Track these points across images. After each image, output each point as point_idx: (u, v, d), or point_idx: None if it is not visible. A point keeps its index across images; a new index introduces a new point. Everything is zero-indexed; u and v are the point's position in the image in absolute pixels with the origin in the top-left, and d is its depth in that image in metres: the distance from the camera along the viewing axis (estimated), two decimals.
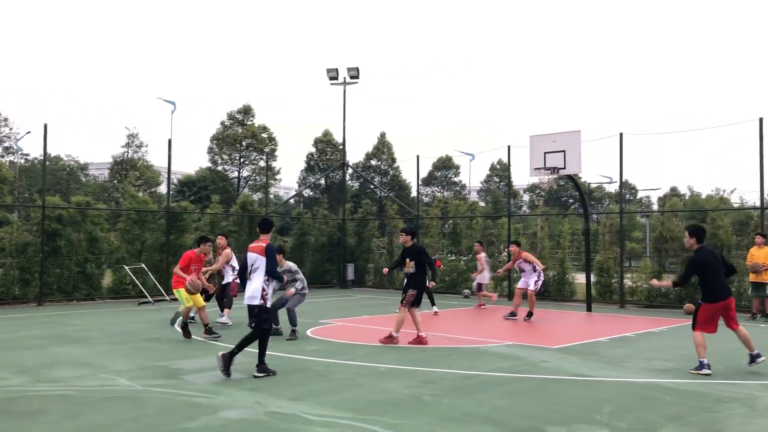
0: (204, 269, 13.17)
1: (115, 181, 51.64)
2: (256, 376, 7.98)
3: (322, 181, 56.93)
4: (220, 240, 13.52)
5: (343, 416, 6.22)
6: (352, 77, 26.10)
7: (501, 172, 67.07)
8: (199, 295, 11.30)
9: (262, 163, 53.26)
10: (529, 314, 14.39)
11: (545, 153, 16.12)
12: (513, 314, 14.58)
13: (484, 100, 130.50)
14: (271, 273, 8.17)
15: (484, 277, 17.53)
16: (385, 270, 12.66)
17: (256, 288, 8.17)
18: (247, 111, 55.13)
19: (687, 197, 49.21)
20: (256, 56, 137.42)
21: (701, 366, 8.36)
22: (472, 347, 10.54)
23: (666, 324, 13.98)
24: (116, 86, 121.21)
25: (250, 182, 55.36)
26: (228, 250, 13.35)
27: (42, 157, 19.20)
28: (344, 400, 6.85)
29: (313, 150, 57.84)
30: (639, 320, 14.85)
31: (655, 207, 59.77)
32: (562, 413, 6.41)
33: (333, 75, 26.22)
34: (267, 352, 8.24)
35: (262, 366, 8.08)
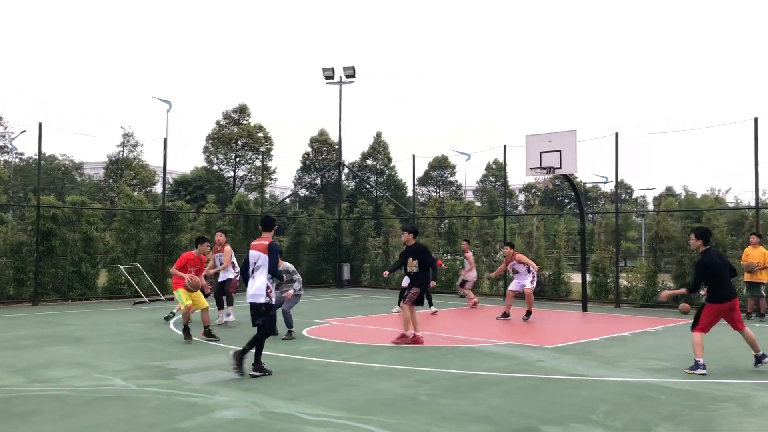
0: (214, 270, 13.19)
1: (111, 181, 51.45)
2: (252, 376, 7.97)
3: (318, 181, 56.87)
4: (220, 237, 13.55)
5: (338, 416, 6.21)
6: (348, 77, 26.08)
7: (497, 171, 67.06)
8: (202, 296, 11.25)
9: (258, 163, 53.19)
10: (528, 314, 14.29)
11: (541, 153, 16.13)
12: (506, 315, 14.55)
13: (482, 100, 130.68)
14: (273, 271, 8.15)
15: (471, 275, 17.72)
16: (386, 273, 12.56)
17: (259, 286, 8.14)
18: (242, 110, 55.02)
19: (682, 197, 49.32)
20: (252, 55, 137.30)
21: (697, 366, 8.38)
22: (467, 347, 10.54)
23: (661, 323, 14.01)
24: (112, 85, 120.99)
25: (245, 182, 55.25)
26: (229, 247, 13.41)
27: (37, 157, 19.13)
28: (340, 400, 6.84)
29: (309, 149, 57.77)
30: (634, 320, 14.88)
31: (651, 207, 59.90)
32: (558, 413, 6.41)
33: (329, 74, 26.19)
34: (263, 352, 8.23)
35: (258, 365, 8.06)
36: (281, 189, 76.92)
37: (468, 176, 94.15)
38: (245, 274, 8.47)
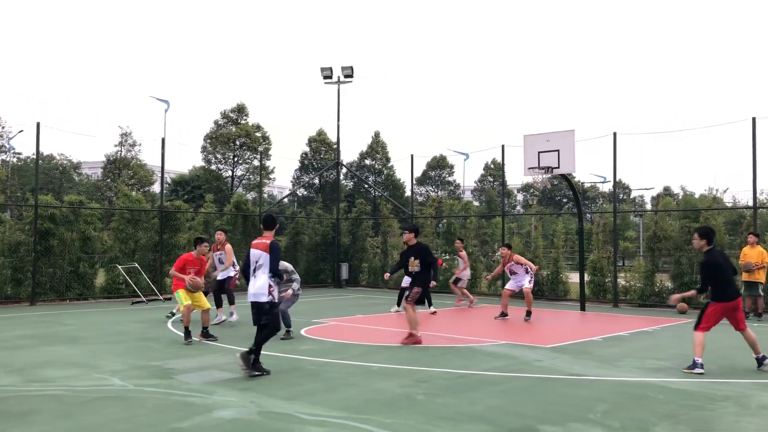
0: (218, 271, 13.21)
1: (109, 180, 51.39)
2: (250, 375, 7.97)
3: (317, 181, 56.88)
4: (220, 235, 13.58)
5: (336, 415, 6.21)
6: (346, 76, 26.09)
7: (495, 171, 67.10)
8: (203, 297, 11.22)
9: (256, 163, 53.19)
10: (528, 314, 14.18)
11: (539, 152, 16.13)
12: (504, 314, 14.53)
13: (480, 100, 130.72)
14: (274, 270, 8.12)
15: (465, 273, 17.82)
16: (387, 275, 12.47)
17: (262, 284, 8.12)
18: (240, 110, 55.02)
19: (680, 197, 49.39)
20: (250, 55, 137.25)
21: (695, 365, 8.39)
22: (465, 346, 10.54)
23: (659, 323, 14.02)
24: (110, 85, 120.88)
25: (243, 181, 55.24)
26: (229, 246, 13.47)
27: (35, 156, 19.11)
28: (338, 400, 6.84)
29: (307, 149, 57.77)
30: (632, 319, 14.89)
31: (649, 206, 59.94)
32: (556, 412, 6.41)
33: (327, 74, 26.20)
34: (262, 352, 8.22)
35: (256, 365, 8.05)
36: (279, 189, 76.90)
37: (466, 176, 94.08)
38: (246, 273, 8.44)
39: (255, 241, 8.44)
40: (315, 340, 11.20)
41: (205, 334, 11.00)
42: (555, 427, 5.89)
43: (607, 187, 65.36)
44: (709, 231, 8.81)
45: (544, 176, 16.78)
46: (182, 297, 10.90)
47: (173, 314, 14.05)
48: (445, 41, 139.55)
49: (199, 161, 56.51)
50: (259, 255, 8.23)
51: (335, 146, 28.16)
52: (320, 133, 57.50)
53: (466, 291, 17.94)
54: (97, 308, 16.72)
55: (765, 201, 20.10)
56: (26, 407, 6.53)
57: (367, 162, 60.45)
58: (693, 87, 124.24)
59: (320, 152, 57.03)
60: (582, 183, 60.57)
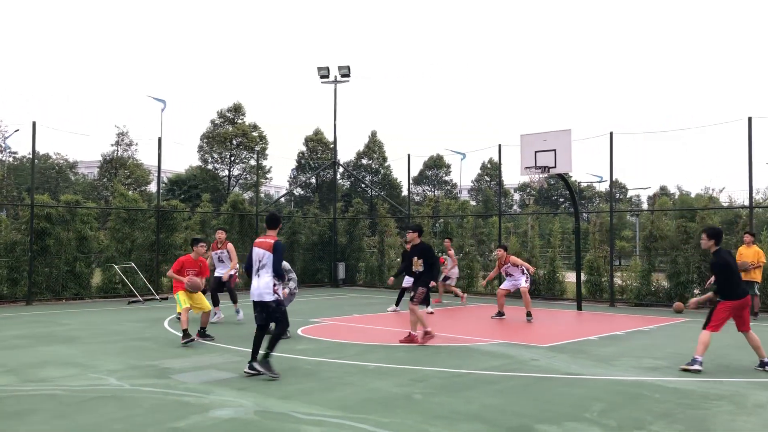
0: (229, 271, 13.25)
1: (105, 180, 51.30)
2: (246, 372, 7.97)
3: (313, 180, 56.86)
4: (220, 234, 13.61)
5: (333, 415, 6.22)
6: (343, 75, 26.08)
7: (492, 171, 67.17)
8: (204, 298, 11.18)
9: (253, 162, 53.15)
10: (528, 314, 14.01)
11: (536, 152, 16.15)
12: (500, 314, 14.54)
13: (477, 99, 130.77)
14: (277, 271, 8.07)
15: (454, 272, 18.09)
16: (391, 280, 12.41)
17: (266, 284, 8.06)
18: (237, 109, 54.96)
19: (677, 196, 49.50)
20: (247, 54, 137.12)
21: (694, 362, 8.40)
22: (461, 346, 10.56)
23: (655, 322, 14.05)
24: (106, 84, 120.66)
25: (240, 181, 55.21)
26: (231, 244, 13.55)
27: (30, 155, 19.08)
28: (334, 399, 6.85)
29: (304, 149, 57.75)
30: (629, 319, 14.91)
31: (645, 206, 60.08)
32: (552, 411, 6.43)
33: (324, 73, 26.19)
34: (260, 351, 8.20)
35: (253, 364, 8.05)
36: (276, 188, 76.85)
37: (463, 175, 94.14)
38: (249, 272, 8.34)
39: (258, 240, 8.35)
40: (312, 339, 11.20)
41: (203, 334, 10.99)
42: (551, 426, 5.90)
43: (603, 187, 65.48)
44: (718, 231, 8.84)
45: (541, 176, 16.78)
46: (182, 300, 10.75)
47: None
48: (443, 41, 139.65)
49: (195, 161, 56.47)
50: (262, 254, 8.14)
51: (332, 146, 28.13)
52: (317, 132, 57.48)
53: (454, 288, 18.09)
54: (93, 308, 16.70)
55: (761, 200, 20.16)
56: (22, 407, 6.52)
57: (364, 161, 60.43)
58: (689, 87, 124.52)
59: (317, 152, 57.01)
60: (579, 182, 60.71)
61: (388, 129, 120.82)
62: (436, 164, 66.25)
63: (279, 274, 8.14)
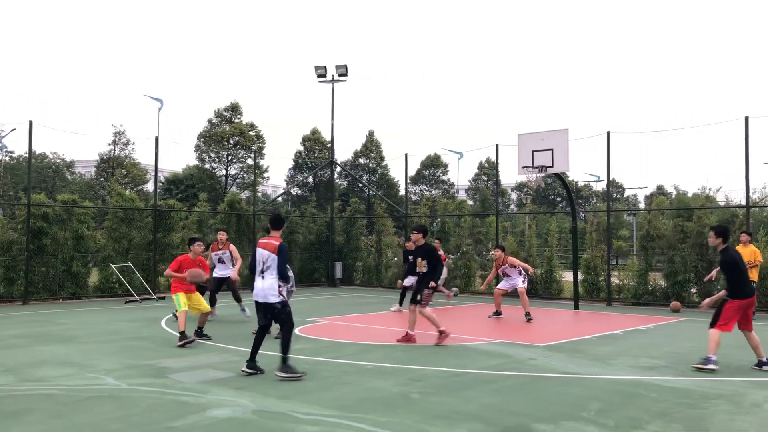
0: (236, 272, 13.24)
1: (102, 179, 51.20)
2: (244, 371, 7.96)
3: (311, 180, 56.80)
4: (222, 235, 13.63)
5: (331, 414, 6.21)
6: (340, 75, 26.04)
7: (489, 170, 67.19)
8: (203, 300, 11.14)
9: (250, 161, 53.11)
10: (527, 315, 13.96)
11: (533, 151, 16.16)
12: (498, 313, 14.54)
13: (475, 99, 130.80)
14: (282, 273, 8.00)
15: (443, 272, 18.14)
16: (399, 283, 12.33)
17: (270, 285, 7.98)
18: (234, 108, 54.89)
19: (673, 195, 49.57)
20: (245, 53, 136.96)
21: (708, 361, 8.37)
22: (459, 345, 10.56)
23: (652, 322, 14.07)
24: (103, 83, 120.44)
25: (237, 180, 55.13)
26: (233, 246, 13.59)
27: (27, 155, 19.02)
28: (332, 399, 6.84)
29: (302, 148, 57.70)
30: (626, 318, 14.93)
31: (642, 205, 60.16)
32: (550, 410, 6.43)
33: (321, 72, 26.15)
34: (259, 351, 8.18)
35: (251, 363, 8.04)
36: (273, 188, 76.79)
37: (460, 175, 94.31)
38: (253, 272, 8.26)
39: (262, 241, 8.26)
40: (309, 339, 11.19)
41: (200, 333, 10.96)
42: (549, 426, 5.91)
43: (600, 186, 65.55)
44: (725, 230, 8.85)
45: (538, 175, 16.81)
46: (181, 301, 10.58)
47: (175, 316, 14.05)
48: (440, 41, 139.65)
49: (192, 160, 56.35)
50: (267, 256, 8.06)
51: (329, 145, 28.13)
52: (314, 131, 57.43)
53: (442, 287, 18.10)
54: (90, 307, 16.66)
55: (757, 200, 20.20)
56: (19, 407, 6.50)
57: (361, 161, 60.40)
58: (687, 86, 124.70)
59: (314, 151, 56.96)
60: (576, 182, 60.71)
61: (385, 128, 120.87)
62: (433, 163, 66.23)
63: (284, 277, 8.05)
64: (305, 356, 9.41)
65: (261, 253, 8.13)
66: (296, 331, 11.89)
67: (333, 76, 26.16)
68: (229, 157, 54.33)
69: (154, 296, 18.51)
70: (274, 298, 7.98)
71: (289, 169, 59.06)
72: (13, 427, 5.80)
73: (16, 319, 14.04)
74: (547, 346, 10.53)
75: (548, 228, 21.84)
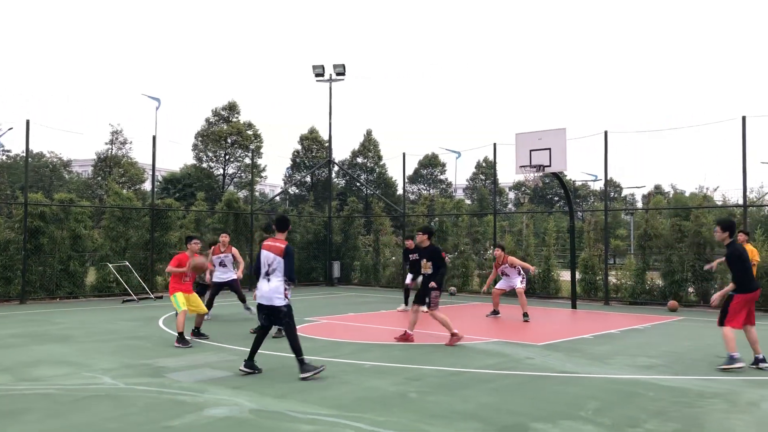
0: (240, 272, 13.26)
1: (99, 178, 51.15)
2: (241, 370, 7.96)
3: (308, 179, 56.80)
4: (225, 237, 13.63)
5: (328, 413, 6.21)
6: (338, 74, 26.04)
7: (487, 169, 67.21)
8: (200, 301, 11.12)
9: (248, 161, 53.07)
10: (525, 315, 13.92)
11: (531, 151, 16.16)
12: (495, 312, 14.54)
13: (472, 98, 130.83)
14: (290, 276, 7.93)
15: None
16: (412, 283, 12.23)
17: (276, 288, 7.91)
18: (232, 108, 54.87)
19: (671, 195, 49.59)
20: (243, 53, 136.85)
21: (732, 360, 8.33)
22: (457, 344, 10.55)
23: (650, 321, 14.09)
24: (100, 83, 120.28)
25: (235, 179, 55.11)
26: (235, 249, 13.63)
27: (24, 154, 19.00)
28: (330, 398, 6.84)
29: (299, 147, 57.69)
30: (623, 317, 14.95)
31: (640, 204, 60.22)
32: (547, 409, 6.44)
33: (319, 72, 26.15)
34: (258, 351, 8.16)
35: (249, 363, 8.03)
36: (271, 187, 76.77)
37: (458, 174, 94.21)
38: (258, 274, 8.15)
39: (267, 243, 8.13)
40: (307, 338, 11.17)
41: (197, 333, 10.95)
42: (546, 425, 5.91)
43: (598, 186, 65.64)
44: (732, 224, 8.82)
45: (536, 174, 16.77)
46: (180, 302, 10.47)
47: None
48: (438, 41, 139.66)
49: (190, 159, 56.35)
50: (272, 258, 7.96)
51: (327, 144, 28.12)
52: (312, 131, 57.44)
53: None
54: (87, 307, 16.64)
55: (754, 199, 20.23)
56: (16, 406, 6.49)
57: (359, 160, 60.43)
58: (684, 86, 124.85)
59: (312, 150, 56.96)
60: (573, 181, 60.77)
61: (383, 128, 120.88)
62: (431, 163, 66.30)
63: (292, 279, 7.98)
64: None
65: (266, 256, 8.03)
66: None
67: (331, 75, 26.16)
68: (227, 157, 54.31)
69: (152, 296, 18.50)
70: (279, 301, 7.92)
71: (287, 169, 59.14)
72: (10, 427, 5.79)
73: (13, 318, 14.02)
74: (545, 345, 10.54)
75: (546, 227, 21.85)
